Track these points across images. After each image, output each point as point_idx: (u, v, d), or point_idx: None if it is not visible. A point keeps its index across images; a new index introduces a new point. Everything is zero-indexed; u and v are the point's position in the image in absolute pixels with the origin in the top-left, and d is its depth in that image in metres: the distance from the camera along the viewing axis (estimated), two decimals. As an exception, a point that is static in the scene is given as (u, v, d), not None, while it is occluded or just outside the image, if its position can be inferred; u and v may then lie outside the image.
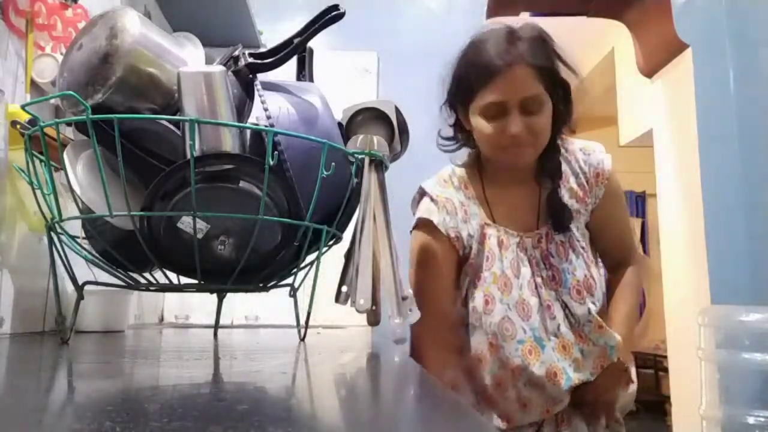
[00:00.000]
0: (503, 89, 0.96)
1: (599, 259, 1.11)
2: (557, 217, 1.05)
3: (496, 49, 0.98)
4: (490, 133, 0.98)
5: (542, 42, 1.00)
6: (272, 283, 0.86)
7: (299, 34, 0.86)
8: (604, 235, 1.10)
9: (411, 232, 1.09)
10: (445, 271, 1.05)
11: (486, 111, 0.98)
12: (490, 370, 1.00)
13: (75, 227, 0.82)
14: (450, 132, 1.14)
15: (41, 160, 0.75)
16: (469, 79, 1.01)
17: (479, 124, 1.00)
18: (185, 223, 0.73)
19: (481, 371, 1.01)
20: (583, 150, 1.09)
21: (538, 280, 1.03)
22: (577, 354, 1.00)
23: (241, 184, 0.75)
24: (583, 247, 1.06)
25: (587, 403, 1.02)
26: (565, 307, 1.02)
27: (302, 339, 0.86)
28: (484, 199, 1.08)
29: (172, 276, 0.83)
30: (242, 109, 0.83)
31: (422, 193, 1.11)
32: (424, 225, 1.05)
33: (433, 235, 1.04)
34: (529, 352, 0.99)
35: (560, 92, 1.02)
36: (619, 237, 1.13)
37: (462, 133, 1.10)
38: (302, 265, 0.85)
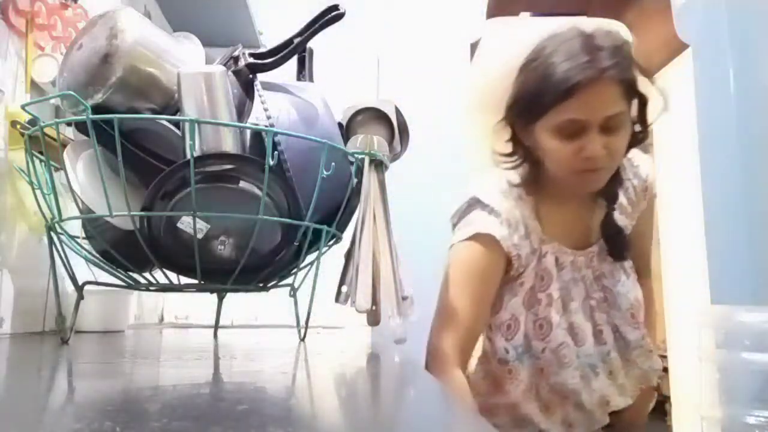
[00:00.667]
0: (584, 107, 0.86)
1: None
2: (615, 244, 0.98)
3: (575, 60, 0.86)
4: (565, 154, 0.89)
5: (625, 51, 0.90)
6: (272, 283, 0.86)
7: (299, 34, 0.86)
8: (634, 248, 1.03)
9: (455, 244, 0.98)
10: (492, 291, 0.95)
11: (561, 129, 0.88)
12: (538, 395, 0.95)
13: (75, 227, 0.82)
14: (506, 147, 1.01)
15: (41, 160, 0.75)
16: (540, 94, 0.89)
17: (550, 143, 0.90)
18: (185, 223, 0.73)
19: (527, 394, 0.95)
20: (631, 161, 1.02)
21: (592, 302, 0.96)
22: (623, 379, 0.96)
23: (241, 184, 0.75)
24: (630, 266, 1.01)
25: (623, 423, 1.00)
26: (616, 330, 0.96)
27: (302, 339, 0.86)
28: (538, 214, 0.99)
29: (172, 276, 0.83)
30: (242, 109, 0.83)
31: (476, 203, 0.99)
32: (481, 239, 0.94)
33: (491, 251, 0.94)
34: (581, 378, 0.93)
35: (639, 107, 0.92)
36: (643, 250, 1.09)
37: (520, 149, 0.99)
38: (302, 265, 0.85)
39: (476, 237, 0.95)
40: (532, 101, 0.91)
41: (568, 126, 0.87)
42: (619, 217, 0.98)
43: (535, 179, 1.00)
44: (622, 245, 0.98)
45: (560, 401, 0.94)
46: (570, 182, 0.94)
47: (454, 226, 1.01)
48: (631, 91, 0.89)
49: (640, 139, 0.94)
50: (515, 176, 1.01)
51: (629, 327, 0.95)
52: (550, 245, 0.97)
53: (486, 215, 0.96)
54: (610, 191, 0.98)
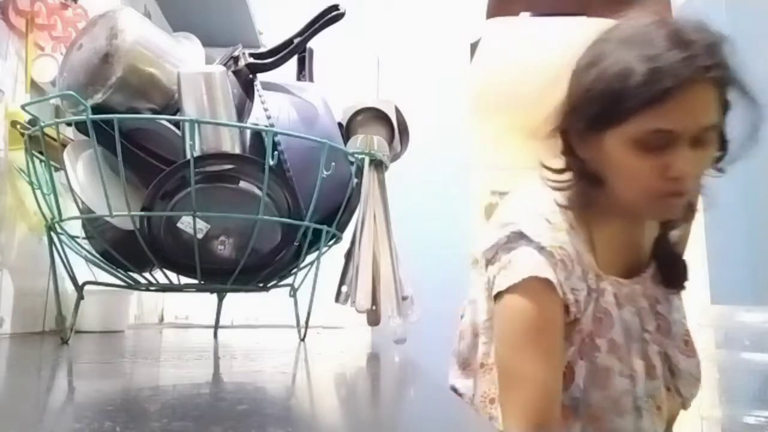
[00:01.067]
0: (677, 115, 0.70)
1: None
2: (672, 272, 0.86)
3: (665, 57, 0.70)
4: (645, 173, 0.73)
5: (724, 48, 0.75)
6: (272, 283, 0.86)
7: (299, 34, 0.86)
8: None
9: (504, 294, 0.79)
10: (560, 341, 0.79)
11: (642, 142, 0.72)
12: None
13: (75, 227, 0.82)
14: (558, 162, 0.85)
15: (41, 160, 0.75)
16: (616, 98, 0.73)
17: (625, 159, 0.74)
18: (185, 223, 0.73)
19: None
20: None
21: (647, 336, 0.83)
22: (665, 411, 0.85)
23: (241, 184, 0.75)
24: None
25: None
26: (666, 360, 0.84)
27: (302, 339, 0.86)
28: (592, 245, 0.83)
29: (172, 276, 0.83)
30: (242, 109, 0.83)
31: (520, 237, 0.80)
32: (535, 284, 0.77)
33: (549, 298, 0.77)
34: (633, 421, 0.82)
35: (725, 117, 0.76)
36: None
37: (576, 165, 0.82)
38: (302, 265, 0.85)
39: (528, 283, 0.77)
40: (605, 107, 0.74)
41: (652, 138, 0.72)
42: (673, 234, 0.87)
43: (591, 202, 0.83)
44: (682, 273, 0.86)
45: None
46: (644, 207, 0.78)
47: (489, 262, 0.84)
48: (725, 99, 0.74)
49: (722, 154, 0.79)
50: (562, 198, 0.84)
51: (682, 356, 0.84)
52: (607, 280, 0.82)
53: (536, 254, 0.78)
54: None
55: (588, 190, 0.82)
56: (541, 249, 0.78)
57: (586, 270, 0.81)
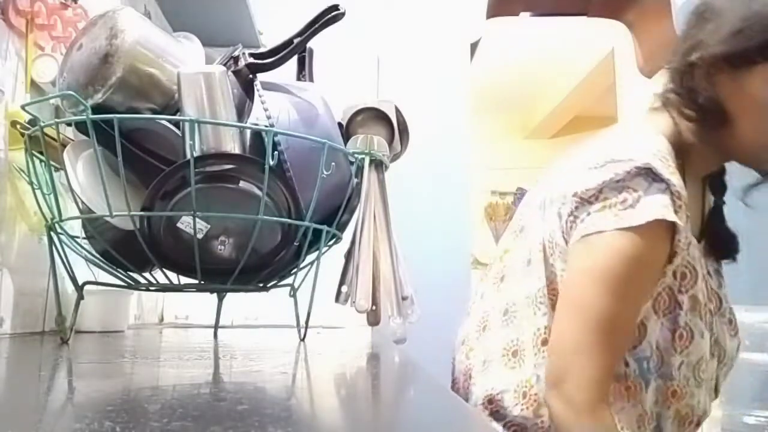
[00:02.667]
0: None
1: None
2: (723, 244, 0.84)
3: None
4: None
5: None
6: (272, 283, 0.86)
7: (299, 34, 0.86)
8: None
9: (610, 232, 0.71)
10: (646, 294, 0.74)
11: None
12: (658, 428, 0.77)
13: (75, 227, 0.82)
14: (695, 99, 0.77)
15: (41, 160, 0.75)
16: None
17: None
18: (185, 223, 0.73)
19: (642, 424, 0.76)
20: None
21: (711, 306, 0.79)
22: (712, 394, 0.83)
23: (241, 184, 0.75)
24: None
25: None
26: (716, 342, 0.80)
27: (302, 339, 0.86)
28: None
29: (172, 276, 0.83)
30: (242, 109, 0.83)
31: (646, 174, 0.72)
32: (655, 228, 0.70)
33: (663, 245, 0.72)
34: (706, 394, 0.79)
35: None
36: None
37: (706, 99, 0.76)
38: (302, 265, 0.85)
39: (651, 225, 0.70)
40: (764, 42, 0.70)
41: None
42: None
43: (708, 141, 0.77)
44: (734, 244, 0.84)
45: (677, 428, 0.78)
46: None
47: (586, 201, 0.74)
48: None
49: None
50: (670, 141, 0.78)
51: (728, 336, 0.81)
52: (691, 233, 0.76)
53: (665, 195, 0.71)
54: (720, 180, 0.84)
55: (703, 131, 0.78)
56: (668, 189, 0.71)
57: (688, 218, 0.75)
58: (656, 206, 0.70)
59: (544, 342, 0.78)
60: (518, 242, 0.86)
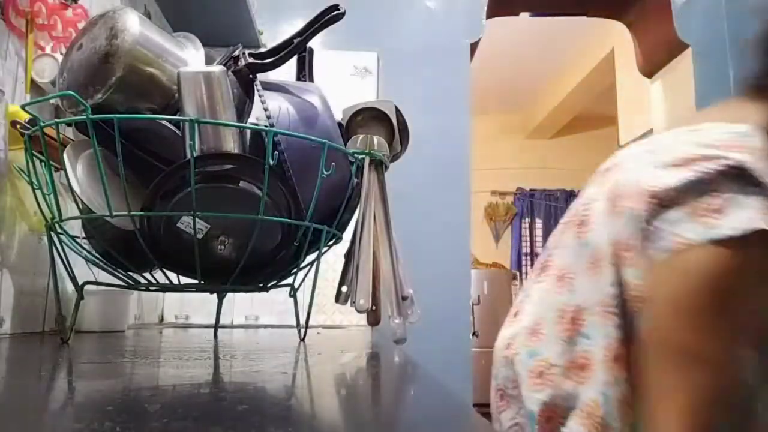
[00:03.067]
0: None
1: None
2: None
3: None
4: None
5: None
6: (272, 283, 0.86)
7: (299, 34, 0.87)
8: None
9: (704, 242, 0.60)
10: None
11: None
12: None
13: (75, 227, 0.82)
14: None
15: (41, 160, 0.75)
16: None
17: None
18: (185, 223, 0.73)
19: None
20: None
21: None
22: None
23: (241, 184, 0.75)
24: None
25: None
26: None
27: (302, 339, 0.86)
28: None
29: (172, 276, 0.83)
30: (242, 109, 0.83)
31: (738, 176, 0.61)
32: (752, 240, 0.59)
33: (757, 258, 0.61)
34: None
35: None
36: None
37: None
38: (302, 265, 0.85)
39: (747, 236, 0.59)
40: None
41: None
42: None
43: None
44: None
45: None
46: None
47: (663, 204, 0.64)
48: None
49: None
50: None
51: None
52: None
53: (758, 199, 0.61)
54: None
55: None
56: (764, 193, 0.60)
57: None
58: (752, 213, 0.59)
59: (617, 359, 0.69)
60: (578, 239, 0.76)
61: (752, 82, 0.73)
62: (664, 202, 0.63)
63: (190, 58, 0.81)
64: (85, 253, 0.79)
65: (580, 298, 0.74)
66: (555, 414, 0.71)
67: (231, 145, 0.74)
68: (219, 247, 0.75)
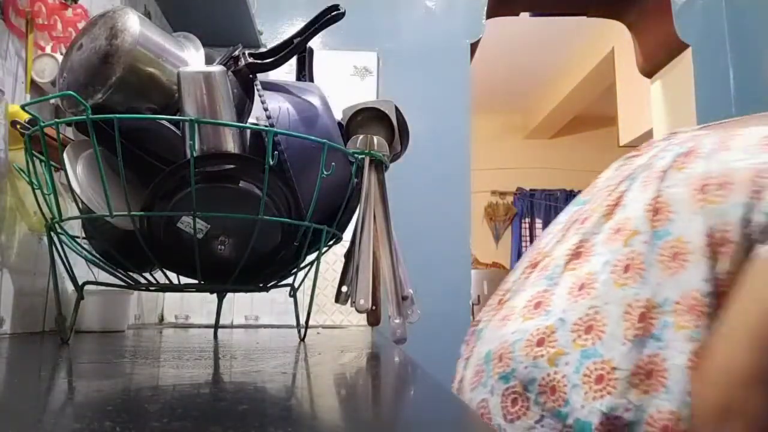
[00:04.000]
0: None
1: None
2: None
3: None
4: None
5: None
6: (272, 283, 0.86)
7: (299, 34, 0.87)
8: None
9: None
10: None
11: None
12: None
13: (75, 227, 0.82)
14: None
15: (41, 160, 0.75)
16: None
17: None
18: (185, 223, 0.73)
19: None
20: None
21: None
22: None
23: (241, 184, 0.75)
24: None
25: None
26: None
27: (302, 339, 0.86)
28: None
29: (172, 276, 0.83)
30: (242, 109, 0.83)
31: None
32: None
33: None
34: None
35: None
36: None
37: None
38: (302, 265, 0.85)
39: None
40: None
41: None
42: None
43: None
44: None
45: None
46: None
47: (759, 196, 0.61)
48: None
49: None
50: None
51: None
52: None
53: None
54: None
55: None
56: None
57: None
58: None
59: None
60: (648, 228, 0.69)
61: None
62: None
63: (190, 58, 0.81)
64: (85, 253, 0.79)
65: (650, 293, 0.66)
66: (615, 428, 0.62)
67: (231, 145, 0.74)
68: (219, 247, 0.75)
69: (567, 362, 0.66)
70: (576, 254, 0.74)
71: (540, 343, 0.69)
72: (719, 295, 0.63)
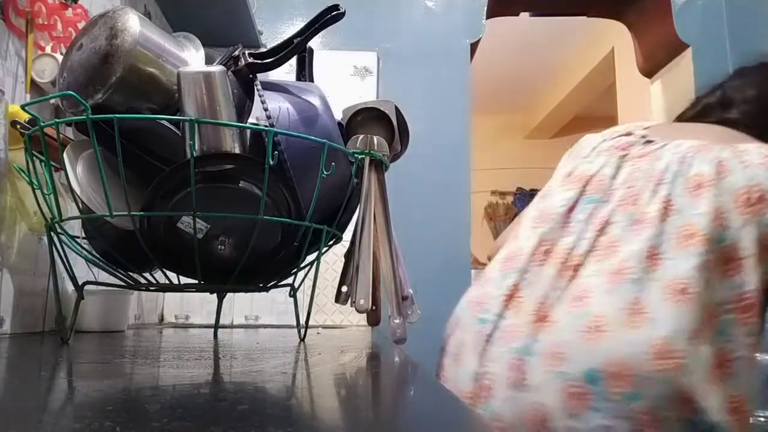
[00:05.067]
0: None
1: None
2: None
3: None
4: None
5: None
6: (272, 283, 0.86)
7: (299, 34, 0.87)
8: None
9: None
10: None
11: None
12: None
13: (75, 227, 0.82)
14: None
15: (41, 160, 0.75)
16: None
17: None
18: (185, 223, 0.73)
19: None
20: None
21: None
22: None
23: (241, 184, 0.75)
24: None
25: None
26: None
27: (302, 339, 0.86)
28: None
29: (172, 276, 0.83)
30: (242, 109, 0.83)
31: None
32: None
33: None
34: None
35: None
36: None
37: None
38: (302, 265, 0.85)
39: None
40: None
41: None
42: None
43: None
44: None
45: None
46: None
47: None
48: None
49: None
50: None
51: None
52: None
53: None
54: None
55: None
56: None
57: None
58: None
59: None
60: (715, 235, 0.71)
61: None
62: None
63: (190, 58, 0.81)
64: (85, 253, 0.79)
65: (722, 296, 0.69)
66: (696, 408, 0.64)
67: (231, 145, 0.74)
68: (219, 247, 0.75)
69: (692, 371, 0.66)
70: (651, 259, 0.72)
71: (661, 355, 0.66)
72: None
